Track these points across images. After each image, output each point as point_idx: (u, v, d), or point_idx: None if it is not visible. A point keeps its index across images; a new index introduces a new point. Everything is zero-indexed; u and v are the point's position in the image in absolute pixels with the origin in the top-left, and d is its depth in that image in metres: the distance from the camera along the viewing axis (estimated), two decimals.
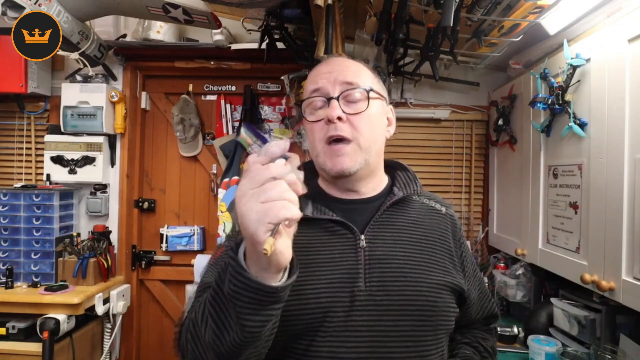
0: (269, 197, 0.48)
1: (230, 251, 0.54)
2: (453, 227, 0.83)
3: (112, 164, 2.13)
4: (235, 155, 2.03)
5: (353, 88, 0.74)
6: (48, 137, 2.06)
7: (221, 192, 1.99)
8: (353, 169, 0.74)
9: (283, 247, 0.51)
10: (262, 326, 0.53)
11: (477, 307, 0.86)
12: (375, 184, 0.82)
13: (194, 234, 2.21)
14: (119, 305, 1.99)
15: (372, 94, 0.75)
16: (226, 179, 2.01)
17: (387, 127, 0.83)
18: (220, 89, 2.23)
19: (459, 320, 0.82)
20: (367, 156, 0.75)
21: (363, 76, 0.78)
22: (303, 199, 0.52)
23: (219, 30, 1.92)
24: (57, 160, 2.04)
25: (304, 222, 0.75)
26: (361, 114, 0.74)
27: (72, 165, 2.04)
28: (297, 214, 0.49)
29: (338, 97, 0.73)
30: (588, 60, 1.22)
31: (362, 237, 0.74)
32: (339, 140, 0.73)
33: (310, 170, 0.87)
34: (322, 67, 0.80)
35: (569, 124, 1.26)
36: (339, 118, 0.72)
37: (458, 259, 0.80)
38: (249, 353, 0.56)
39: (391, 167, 0.89)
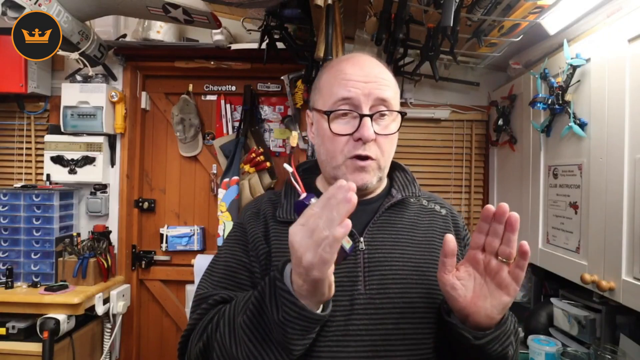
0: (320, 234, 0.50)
1: (278, 282, 0.55)
2: (456, 228, 0.82)
3: (112, 164, 2.13)
4: (235, 155, 2.03)
5: (387, 108, 0.73)
6: (48, 137, 2.06)
7: (221, 192, 1.99)
8: (371, 185, 0.75)
9: (333, 280, 0.55)
10: (305, 347, 0.57)
11: None
12: (378, 188, 0.82)
13: (194, 234, 2.21)
14: (119, 305, 1.99)
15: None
16: (226, 179, 2.00)
17: None
18: (220, 89, 2.23)
19: None
20: (381, 174, 0.76)
21: (394, 90, 0.75)
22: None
23: (219, 30, 1.92)
24: (57, 160, 2.04)
25: None
26: (389, 135, 0.74)
27: (72, 165, 2.04)
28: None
29: (372, 115, 0.71)
30: (588, 60, 1.22)
31: (361, 239, 0.73)
32: (364, 156, 0.72)
33: (306, 171, 0.87)
34: (353, 72, 0.73)
35: (569, 124, 1.26)
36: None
37: (463, 258, 0.80)
38: None
39: (390, 168, 0.88)
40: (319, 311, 0.56)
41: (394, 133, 0.74)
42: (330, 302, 0.58)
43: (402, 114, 0.75)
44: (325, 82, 0.76)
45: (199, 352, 0.66)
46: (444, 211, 0.83)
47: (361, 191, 0.76)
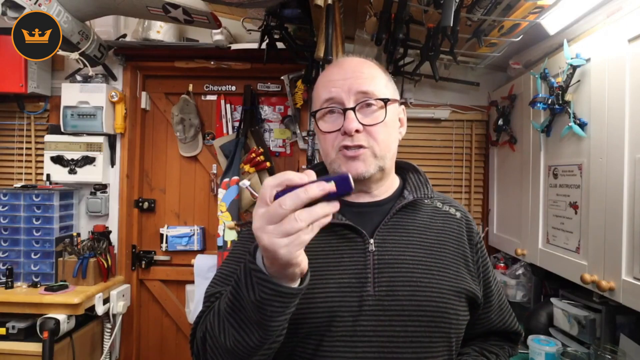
0: (292, 230, 0.50)
1: (250, 264, 0.55)
2: (469, 232, 0.81)
3: (112, 164, 2.13)
4: (235, 155, 2.03)
5: (369, 98, 0.73)
6: (48, 137, 2.06)
7: (221, 192, 1.99)
8: (367, 173, 0.74)
9: (303, 258, 0.54)
10: (283, 323, 0.57)
11: (495, 315, 0.84)
12: (388, 186, 0.81)
13: (194, 234, 2.21)
14: (119, 305, 1.99)
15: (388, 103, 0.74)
16: (226, 179, 2.00)
17: (400, 129, 0.82)
18: (220, 89, 2.23)
19: (473, 327, 0.81)
20: (381, 163, 0.75)
21: (378, 82, 0.75)
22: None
23: (219, 30, 1.92)
24: (57, 160, 2.04)
25: None
26: (378, 124, 0.73)
27: (72, 165, 2.04)
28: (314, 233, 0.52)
29: (354, 108, 0.72)
30: (588, 60, 1.22)
31: (372, 241, 0.73)
32: (354, 146, 0.72)
33: (318, 173, 0.87)
34: (333, 73, 0.76)
35: (569, 124, 1.26)
36: (357, 130, 0.71)
37: (474, 264, 0.79)
38: (263, 351, 0.59)
39: (403, 169, 0.88)
40: (298, 285, 0.55)
41: (382, 121, 0.73)
42: (308, 276, 0.57)
43: (385, 101, 0.74)
44: (315, 89, 0.80)
45: (199, 343, 0.67)
46: (458, 214, 0.83)
47: (361, 182, 0.75)
